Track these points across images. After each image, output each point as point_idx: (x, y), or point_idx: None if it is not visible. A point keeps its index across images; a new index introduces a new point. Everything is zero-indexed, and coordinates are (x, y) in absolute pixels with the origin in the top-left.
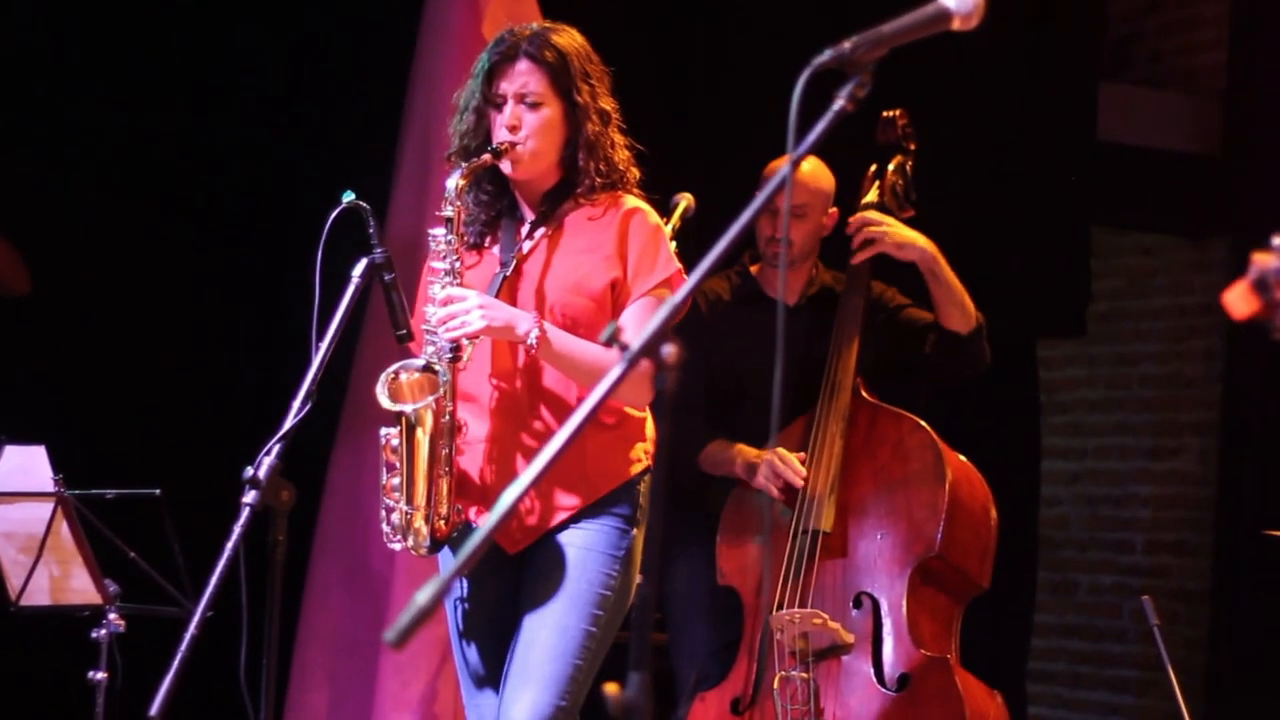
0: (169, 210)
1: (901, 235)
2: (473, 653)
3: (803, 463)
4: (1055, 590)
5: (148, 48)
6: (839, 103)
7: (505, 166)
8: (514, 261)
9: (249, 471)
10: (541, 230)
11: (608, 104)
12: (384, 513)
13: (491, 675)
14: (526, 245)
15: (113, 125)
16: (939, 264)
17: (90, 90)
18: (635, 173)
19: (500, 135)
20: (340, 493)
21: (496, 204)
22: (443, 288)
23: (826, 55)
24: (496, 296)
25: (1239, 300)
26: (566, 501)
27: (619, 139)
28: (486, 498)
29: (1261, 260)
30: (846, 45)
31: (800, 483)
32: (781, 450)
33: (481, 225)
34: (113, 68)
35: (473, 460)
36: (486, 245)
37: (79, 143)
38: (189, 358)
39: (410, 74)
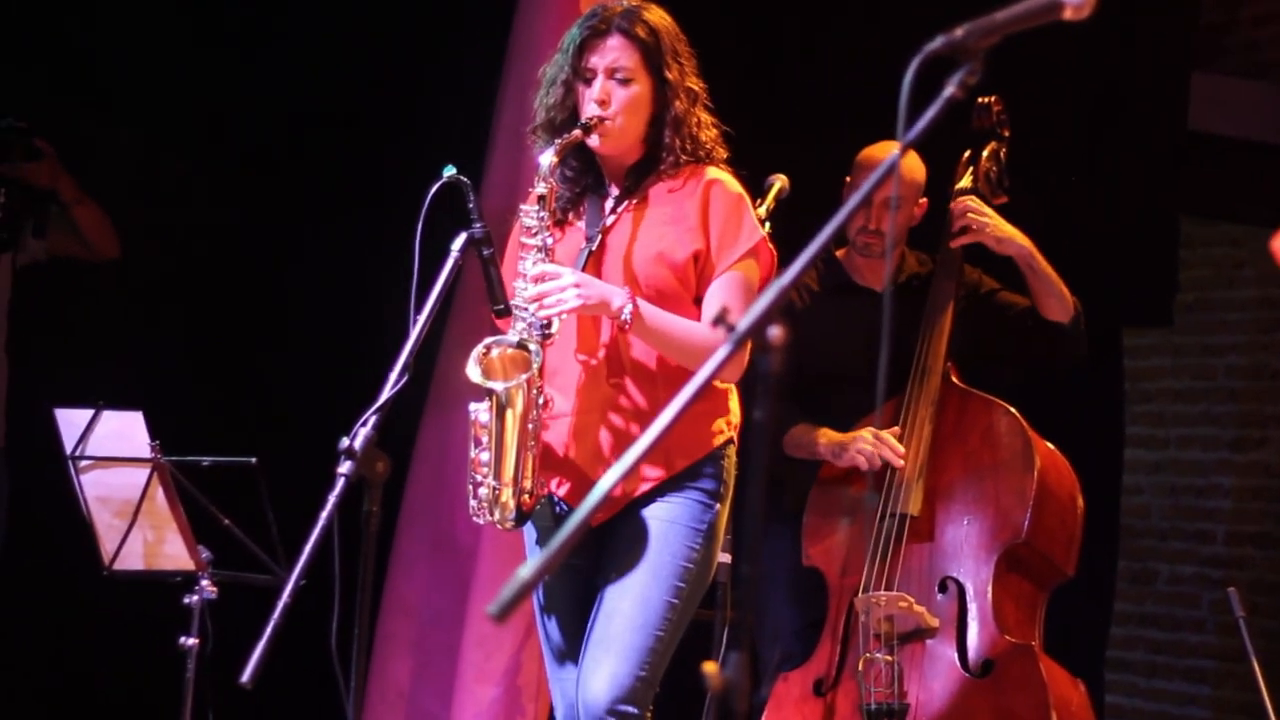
0: (269, 180)
1: (1002, 229)
2: (555, 627)
3: (899, 439)
4: (1135, 579)
5: (249, 19)
6: (949, 89)
7: (592, 141)
8: (599, 236)
9: (344, 442)
10: (625, 204)
11: (695, 83)
12: (471, 487)
13: (574, 649)
14: (610, 219)
15: (211, 94)
16: (1036, 259)
17: (189, 60)
18: (722, 152)
19: (589, 110)
20: (427, 464)
21: (582, 179)
22: (535, 264)
23: (939, 42)
24: (583, 270)
25: None
26: (650, 473)
27: (706, 118)
28: (569, 471)
29: None
30: (959, 32)
31: (900, 461)
32: (873, 428)
33: (566, 201)
34: (212, 38)
35: (557, 434)
36: (571, 220)
37: (176, 111)
38: (287, 328)
39: (507, 48)
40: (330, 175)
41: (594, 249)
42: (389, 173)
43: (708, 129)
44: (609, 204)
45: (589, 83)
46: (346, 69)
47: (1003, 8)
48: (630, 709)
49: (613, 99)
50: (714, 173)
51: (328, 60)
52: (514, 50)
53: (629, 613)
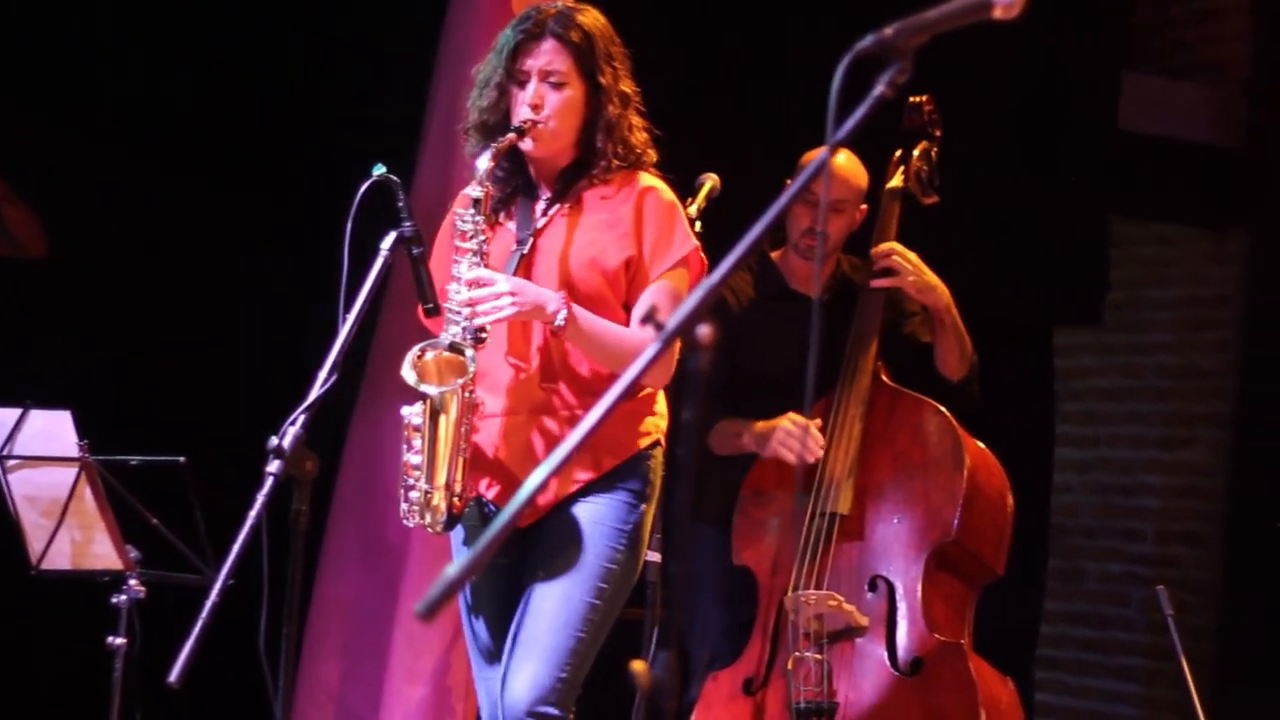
0: (196, 179)
1: (924, 279)
2: (481, 626)
3: (820, 431)
4: (1064, 578)
5: (176, 11)
6: (879, 88)
7: (525, 144)
8: (530, 238)
9: (273, 441)
10: (557, 208)
11: (628, 86)
12: (403, 490)
13: (499, 649)
14: (542, 221)
15: (138, 89)
16: (951, 314)
17: (115, 53)
18: (653, 155)
19: (522, 113)
20: (357, 464)
21: (512, 180)
22: (470, 268)
23: (868, 41)
24: (514, 273)
25: None
26: (579, 475)
27: (638, 121)
28: (498, 473)
29: None
30: (888, 31)
31: (819, 452)
32: (795, 415)
33: (496, 201)
34: (138, 30)
35: (487, 436)
36: (501, 220)
37: (103, 106)
38: (215, 327)
39: (438, 47)
40: (260, 173)
41: (525, 252)
42: (319, 171)
43: (639, 132)
44: (540, 206)
45: (522, 85)
46: (276, 67)
47: (933, 6)
48: (551, 710)
49: (545, 102)
50: (647, 180)
51: (257, 58)
52: (445, 50)
53: (551, 613)
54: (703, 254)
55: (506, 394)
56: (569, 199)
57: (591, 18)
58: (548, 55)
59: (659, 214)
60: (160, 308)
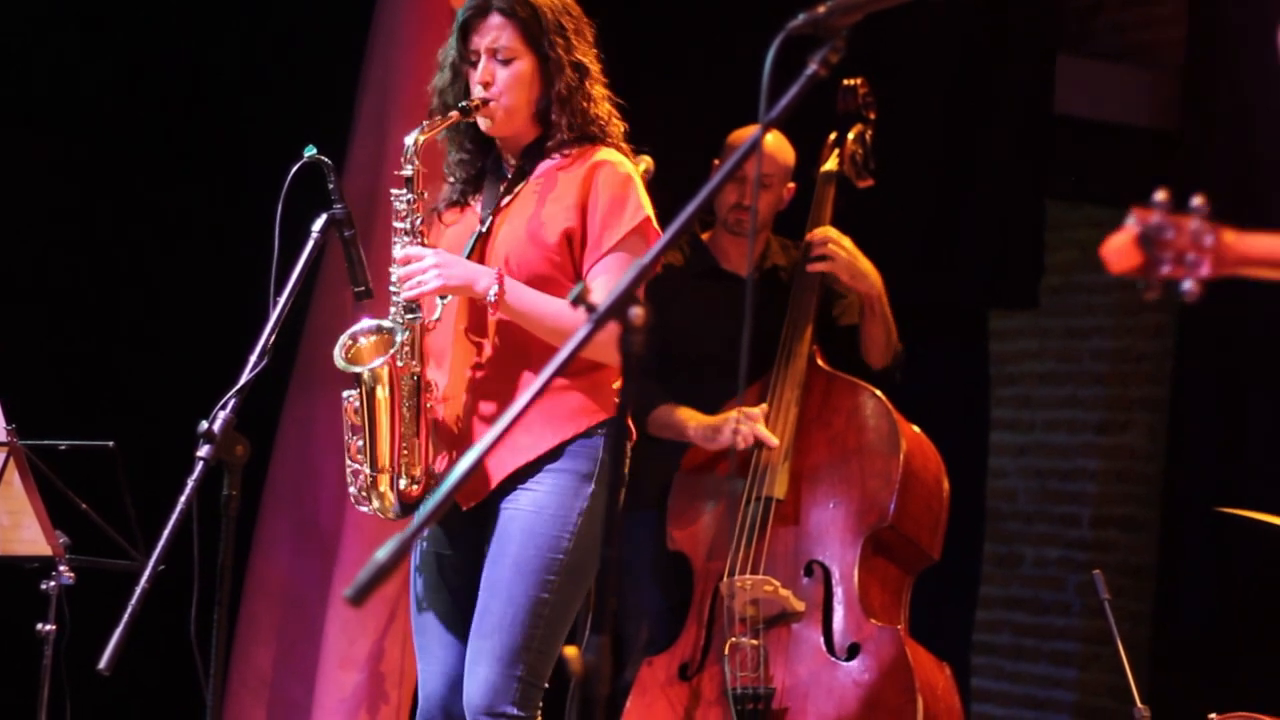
0: (124, 161)
1: (857, 265)
2: (423, 621)
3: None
4: (1000, 563)
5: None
6: (812, 67)
7: (483, 123)
8: (490, 218)
9: (203, 425)
10: (519, 186)
11: (585, 56)
12: (350, 475)
13: (436, 645)
14: (506, 200)
15: (64, 76)
16: (880, 302)
17: (40, 40)
18: (618, 127)
19: (475, 91)
20: (290, 448)
21: (478, 161)
22: (402, 247)
23: (800, 19)
24: (471, 253)
25: (1119, 254)
26: (516, 456)
27: (598, 93)
28: (453, 457)
29: (1143, 215)
30: (820, 10)
31: (774, 440)
32: (745, 409)
33: (463, 183)
34: (63, 19)
35: (442, 417)
36: (470, 203)
37: (28, 92)
38: (144, 310)
39: (369, 29)
40: (190, 156)
41: (484, 231)
42: (250, 153)
43: (601, 104)
44: (504, 186)
45: (475, 65)
46: (205, 47)
47: None
48: (510, 709)
49: (496, 79)
50: (604, 154)
51: (184, 38)
52: (376, 31)
53: (498, 612)
54: (656, 225)
55: (458, 373)
56: (529, 176)
57: None
58: (494, 31)
59: (612, 186)
60: (88, 291)
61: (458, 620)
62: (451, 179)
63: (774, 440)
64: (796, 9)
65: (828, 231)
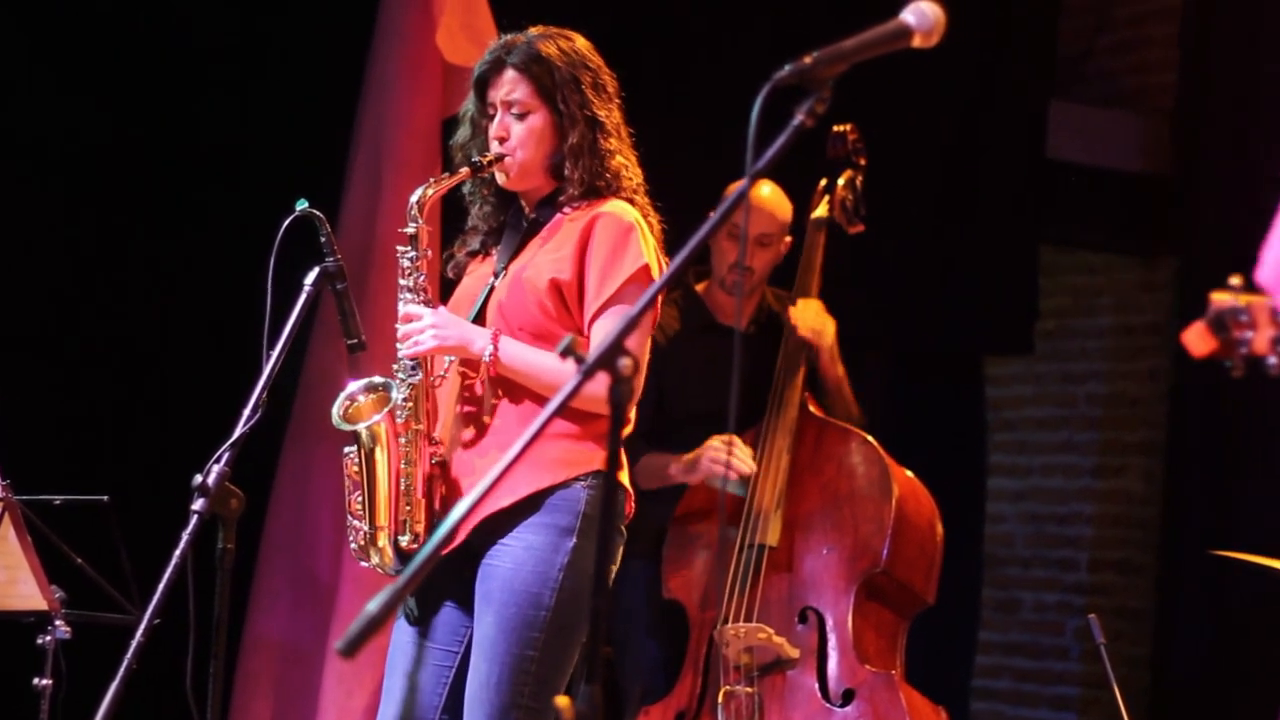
0: (118, 213)
1: (835, 348)
2: (390, 679)
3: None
4: (999, 608)
5: (92, 44)
6: (798, 118)
7: (500, 178)
8: (503, 271)
9: (198, 479)
10: (530, 239)
11: (602, 109)
12: (350, 530)
13: (399, 706)
14: (518, 253)
15: (59, 126)
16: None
17: (34, 85)
18: (633, 178)
19: (492, 147)
20: (287, 501)
21: (500, 213)
22: (404, 305)
23: (786, 70)
24: (483, 306)
25: (1197, 339)
26: (495, 503)
27: (613, 145)
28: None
29: (1219, 300)
30: (807, 60)
31: (750, 465)
32: (722, 436)
33: (484, 235)
34: (59, 64)
35: (446, 474)
36: (490, 253)
37: (26, 143)
38: (138, 364)
39: (363, 82)
40: (184, 209)
41: (496, 284)
42: (243, 206)
43: (615, 158)
44: (519, 239)
45: (492, 119)
46: (199, 100)
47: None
48: None
49: (511, 134)
50: (610, 205)
51: (179, 92)
52: (369, 83)
53: (485, 671)
54: (656, 274)
55: (458, 430)
56: (540, 229)
57: (556, 45)
58: (509, 85)
59: (612, 236)
60: (82, 346)
61: (421, 670)
62: (476, 229)
63: (750, 465)
64: (787, 56)
65: (812, 327)
